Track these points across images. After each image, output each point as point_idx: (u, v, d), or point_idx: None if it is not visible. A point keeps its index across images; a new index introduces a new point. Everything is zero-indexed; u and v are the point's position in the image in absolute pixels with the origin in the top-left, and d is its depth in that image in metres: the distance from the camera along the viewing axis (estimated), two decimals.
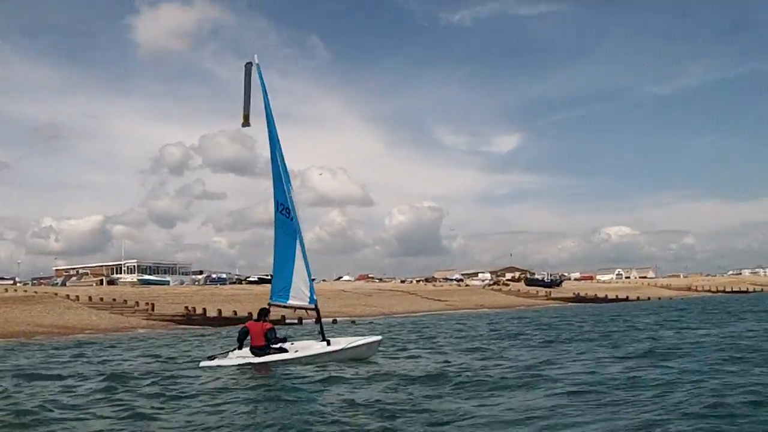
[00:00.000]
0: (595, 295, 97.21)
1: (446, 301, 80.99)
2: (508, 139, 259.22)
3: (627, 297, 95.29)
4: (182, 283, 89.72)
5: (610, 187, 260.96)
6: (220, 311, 49.82)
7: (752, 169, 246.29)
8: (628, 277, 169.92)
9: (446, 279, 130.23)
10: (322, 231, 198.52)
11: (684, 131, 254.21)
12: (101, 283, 78.70)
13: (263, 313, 18.79)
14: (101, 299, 54.17)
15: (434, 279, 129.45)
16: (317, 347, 18.91)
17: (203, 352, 23.28)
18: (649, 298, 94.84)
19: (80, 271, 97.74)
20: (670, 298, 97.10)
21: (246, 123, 20.64)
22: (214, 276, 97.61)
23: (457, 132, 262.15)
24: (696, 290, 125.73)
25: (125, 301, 54.29)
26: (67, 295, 54.53)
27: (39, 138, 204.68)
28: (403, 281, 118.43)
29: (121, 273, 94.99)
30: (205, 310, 49.50)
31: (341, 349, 18.69)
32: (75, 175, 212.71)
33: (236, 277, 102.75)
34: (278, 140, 20.84)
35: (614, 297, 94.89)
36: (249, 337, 18.54)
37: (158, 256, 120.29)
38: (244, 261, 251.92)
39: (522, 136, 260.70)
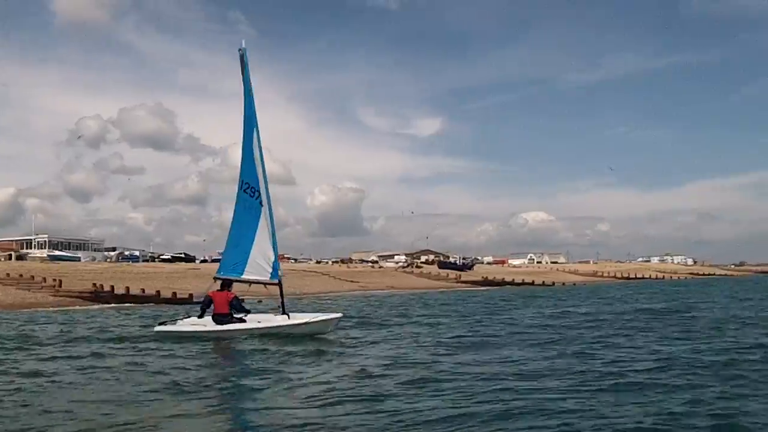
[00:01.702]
0: (503, 279, 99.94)
1: (359, 282, 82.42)
2: (430, 122, 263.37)
3: (533, 281, 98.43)
4: (94, 259, 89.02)
5: (529, 173, 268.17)
6: (128, 289, 50.11)
7: (667, 159, 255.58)
8: (540, 262, 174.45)
9: (362, 261, 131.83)
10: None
11: (602, 120, 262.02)
12: (9, 258, 77.52)
13: (227, 283, 20.11)
14: (7, 274, 53.71)
15: (350, 260, 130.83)
16: (278, 320, 20.07)
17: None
18: (553, 283, 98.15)
19: None
20: (574, 284, 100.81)
21: None
22: (126, 253, 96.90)
23: (380, 114, 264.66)
24: (602, 276, 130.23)
25: (32, 276, 54.01)
26: None
27: None
28: (318, 262, 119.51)
29: (31, 248, 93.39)
30: (113, 287, 49.70)
31: (301, 323, 19.75)
32: None
33: (150, 254, 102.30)
34: (256, 123, 21.92)
35: (521, 281, 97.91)
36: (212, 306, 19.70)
37: (73, 231, 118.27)
38: (160, 238, 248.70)
39: (444, 120, 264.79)
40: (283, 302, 21.12)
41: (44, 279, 52.77)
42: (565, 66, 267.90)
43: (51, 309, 41.21)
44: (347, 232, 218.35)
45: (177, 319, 21.09)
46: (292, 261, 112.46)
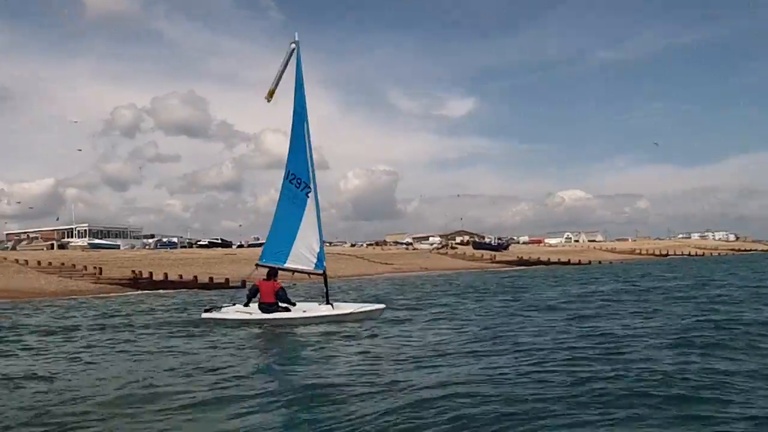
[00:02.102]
0: (538, 258, 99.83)
1: (393, 264, 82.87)
2: (462, 102, 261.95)
3: (569, 260, 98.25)
4: (133, 247, 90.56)
5: (565, 151, 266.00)
6: (166, 275, 51.24)
7: (706, 134, 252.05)
8: (577, 241, 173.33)
9: (396, 243, 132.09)
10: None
11: (638, 96, 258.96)
12: (52, 247, 79.22)
13: (273, 273, 20.60)
14: (50, 263, 55.15)
15: (384, 243, 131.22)
16: (323, 309, 20.55)
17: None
18: (590, 262, 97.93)
19: (31, 235, 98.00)
20: (610, 262, 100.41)
21: (269, 98, 22.43)
22: (164, 240, 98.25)
23: (411, 96, 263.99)
24: (639, 254, 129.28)
25: (73, 265, 55.38)
26: (16, 260, 55.45)
27: None
28: (353, 245, 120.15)
29: (72, 237, 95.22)
30: (151, 273, 50.87)
31: (346, 313, 20.30)
32: (25, 137, 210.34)
33: (187, 240, 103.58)
34: (306, 116, 22.43)
35: (556, 260, 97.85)
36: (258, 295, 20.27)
37: (111, 219, 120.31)
38: (198, 224, 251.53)
39: (476, 100, 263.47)
40: (327, 292, 21.61)
41: (85, 267, 54.15)
42: (599, 42, 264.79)
43: (91, 296, 42.38)
44: (381, 215, 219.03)
45: (222, 306, 21.66)
46: (328, 244, 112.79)
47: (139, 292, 45.25)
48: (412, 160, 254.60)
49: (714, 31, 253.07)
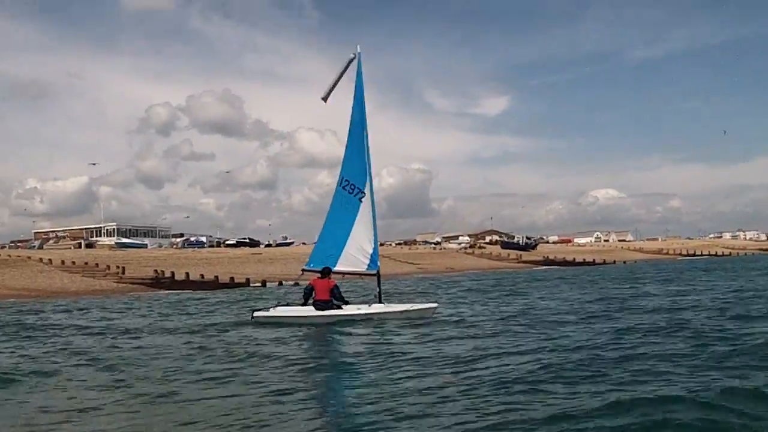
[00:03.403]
0: (564, 258, 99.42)
1: (418, 264, 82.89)
2: (497, 101, 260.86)
3: (594, 260, 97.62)
4: (160, 246, 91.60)
5: (598, 150, 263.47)
6: (187, 274, 51.71)
7: (739, 132, 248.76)
8: (607, 240, 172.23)
9: (426, 242, 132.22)
10: (312, 193, 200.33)
11: (671, 94, 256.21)
12: (79, 246, 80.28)
13: (327, 272, 20.91)
14: (73, 262, 55.93)
15: (414, 242, 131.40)
16: (377, 307, 21.04)
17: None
18: (614, 262, 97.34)
19: (59, 234, 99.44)
20: (635, 262, 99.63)
21: (325, 100, 23.29)
22: (192, 239, 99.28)
23: (446, 94, 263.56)
24: (667, 254, 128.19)
25: (97, 264, 56.12)
26: (41, 259, 56.30)
27: (23, 96, 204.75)
28: (381, 244, 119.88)
29: (100, 236, 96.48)
30: (173, 273, 51.29)
31: (401, 311, 20.87)
32: (60, 134, 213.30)
33: (216, 240, 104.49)
34: (364, 124, 23.06)
35: (582, 260, 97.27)
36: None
37: (145, 217, 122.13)
38: (231, 223, 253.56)
39: (511, 98, 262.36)
40: (380, 292, 22.02)
41: (108, 266, 54.78)
42: (632, 40, 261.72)
43: (113, 295, 42.87)
44: (415, 213, 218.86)
45: (270, 307, 21.70)
46: None
47: (163, 291, 45.56)
48: (446, 158, 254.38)
49: (749, 29, 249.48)
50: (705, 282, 36.14)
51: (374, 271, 22.44)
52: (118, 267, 53.97)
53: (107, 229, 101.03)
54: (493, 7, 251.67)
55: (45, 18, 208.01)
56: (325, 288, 20.31)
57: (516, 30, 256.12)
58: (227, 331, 18.91)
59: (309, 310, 20.24)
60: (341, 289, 20.65)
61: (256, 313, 20.76)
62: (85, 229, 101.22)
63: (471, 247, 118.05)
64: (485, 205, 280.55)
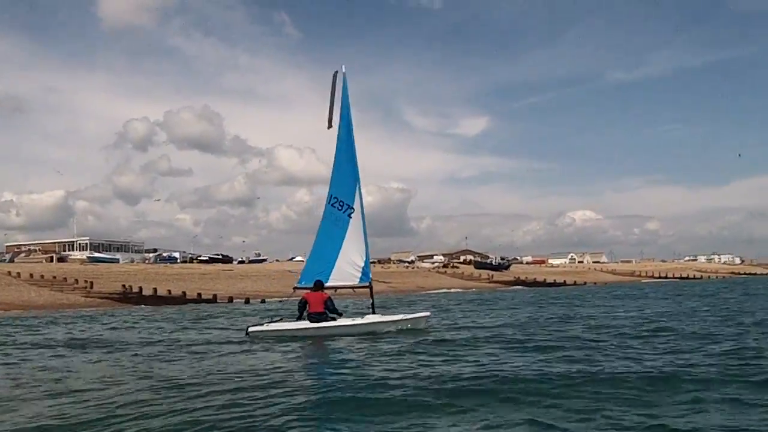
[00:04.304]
0: (534, 278, 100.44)
1: (389, 282, 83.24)
2: (476, 121, 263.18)
3: (564, 281, 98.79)
4: (133, 261, 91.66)
5: (577, 171, 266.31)
6: (155, 290, 52.04)
7: (716, 156, 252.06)
8: (581, 261, 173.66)
9: (400, 261, 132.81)
10: (290, 210, 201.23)
11: (650, 117, 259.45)
12: (51, 260, 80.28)
13: (320, 284, 21.06)
14: (42, 276, 56.20)
15: (388, 260, 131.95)
16: (372, 318, 21.37)
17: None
18: (585, 283, 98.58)
19: (31, 248, 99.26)
20: (605, 283, 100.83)
21: (329, 126, 23.90)
22: (165, 255, 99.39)
23: (425, 114, 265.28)
24: (639, 276, 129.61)
25: (65, 278, 56.34)
26: (9, 272, 56.48)
27: (0, 111, 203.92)
28: None
29: (73, 250, 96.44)
30: (141, 288, 51.68)
31: (396, 321, 21.33)
32: (38, 149, 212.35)
33: (189, 255, 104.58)
34: (352, 143, 23.52)
35: (552, 281, 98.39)
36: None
37: (123, 232, 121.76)
38: (209, 239, 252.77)
39: (490, 119, 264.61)
40: (373, 303, 22.42)
41: (76, 281, 54.98)
42: (611, 63, 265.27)
43: (81, 309, 43.21)
44: (394, 232, 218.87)
45: (265, 323, 21.50)
46: None
47: (132, 306, 45.94)
48: (425, 178, 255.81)
49: (727, 54, 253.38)
50: (614, 306, 36.05)
51: (366, 284, 22.80)
52: (86, 281, 54.21)
53: (80, 244, 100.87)
54: (473, 28, 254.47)
55: (23, 33, 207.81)
56: (319, 300, 20.41)
57: (496, 51, 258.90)
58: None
59: (304, 324, 20.39)
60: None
61: (251, 329, 20.73)
62: (58, 243, 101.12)
63: (445, 266, 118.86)
64: (463, 224, 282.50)
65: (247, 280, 71.54)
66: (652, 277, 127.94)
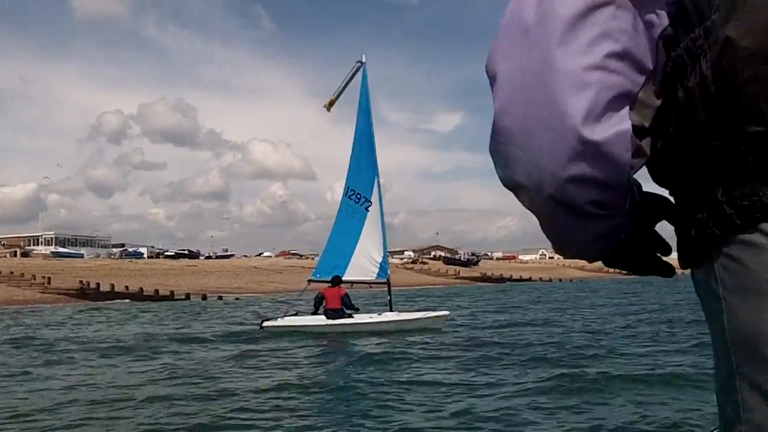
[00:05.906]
0: (501, 275, 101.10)
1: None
2: (451, 117, 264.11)
3: (530, 277, 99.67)
4: (98, 256, 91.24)
5: None
6: (113, 286, 52.05)
7: None
8: (552, 257, 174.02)
9: None
10: (264, 204, 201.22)
11: None
12: (15, 255, 79.61)
13: (338, 280, 20.87)
14: (0, 271, 55.92)
15: None
16: (390, 316, 21.24)
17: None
18: (550, 279, 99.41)
19: None
20: (571, 280, 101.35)
21: (329, 108, 23.65)
22: (130, 250, 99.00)
23: (400, 109, 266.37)
24: (607, 272, 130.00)
25: (22, 274, 56.08)
26: None
27: None
28: None
29: (38, 245, 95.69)
30: (98, 284, 51.59)
31: (414, 319, 21.15)
32: (9, 140, 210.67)
33: (157, 251, 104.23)
34: (371, 134, 23.68)
35: (519, 277, 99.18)
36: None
37: (93, 226, 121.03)
38: (182, 233, 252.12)
39: (465, 114, 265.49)
40: (391, 300, 22.25)
41: (34, 276, 54.71)
42: None
43: (40, 305, 43.05)
44: None
45: (278, 317, 21.45)
46: (298, 257, 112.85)
47: (88, 302, 45.79)
48: (399, 172, 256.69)
49: None
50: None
51: (384, 280, 22.96)
52: (44, 277, 53.99)
53: (45, 238, 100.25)
54: (449, 24, 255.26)
55: None
56: (336, 296, 20.13)
57: (471, 47, 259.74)
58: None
59: (320, 320, 20.20)
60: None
61: (265, 323, 20.70)
62: (23, 237, 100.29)
63: (413, 262, 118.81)
64: (437, 219, 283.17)
65: (211, 276, 71.35)
66: (622, 273, 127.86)
